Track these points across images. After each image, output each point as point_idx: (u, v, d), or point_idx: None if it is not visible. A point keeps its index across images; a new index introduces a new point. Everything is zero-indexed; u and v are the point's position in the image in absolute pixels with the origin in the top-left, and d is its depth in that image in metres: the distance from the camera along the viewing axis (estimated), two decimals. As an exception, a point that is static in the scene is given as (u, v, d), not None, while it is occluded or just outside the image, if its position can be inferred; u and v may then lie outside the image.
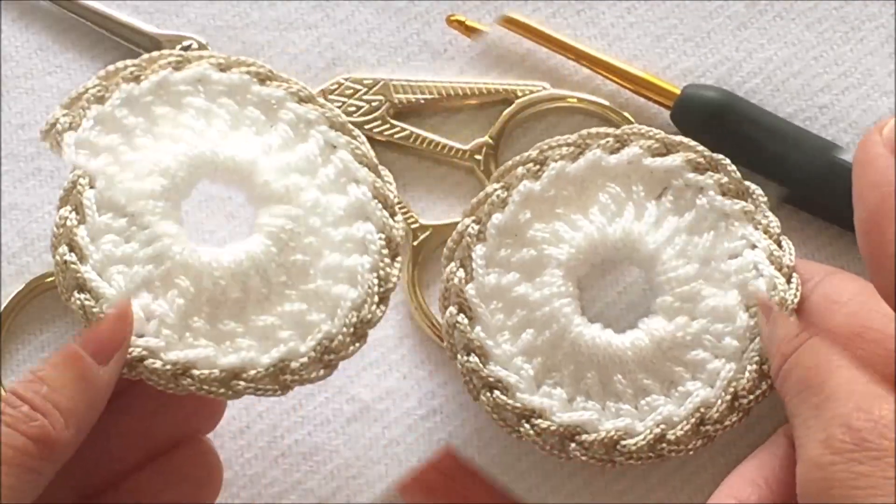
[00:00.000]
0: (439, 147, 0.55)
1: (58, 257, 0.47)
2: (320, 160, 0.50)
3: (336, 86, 0.55)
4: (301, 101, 0.50)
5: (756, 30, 0.56)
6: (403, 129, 0.55)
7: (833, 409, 0.42)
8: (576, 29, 0.56)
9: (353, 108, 0.55)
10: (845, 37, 0.56)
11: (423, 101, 0.55)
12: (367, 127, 0.54)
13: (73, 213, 0.47)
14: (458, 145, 0.55)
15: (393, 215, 0.49)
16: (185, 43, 0.55)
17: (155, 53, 0.50)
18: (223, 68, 0.50)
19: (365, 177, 0.49)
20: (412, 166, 0.55)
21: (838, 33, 0.56)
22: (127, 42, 0.55)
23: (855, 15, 0.56)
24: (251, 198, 0.49)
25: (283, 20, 0.56)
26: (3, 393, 0.50)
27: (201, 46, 0.55)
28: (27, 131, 0.55)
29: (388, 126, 0.55)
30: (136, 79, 0.49)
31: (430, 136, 0.55)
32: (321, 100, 0.50)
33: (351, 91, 0.55)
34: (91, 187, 0.48)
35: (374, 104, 0.55)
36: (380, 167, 0.50)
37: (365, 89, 0.55)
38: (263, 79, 0.50)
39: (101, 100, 0.49)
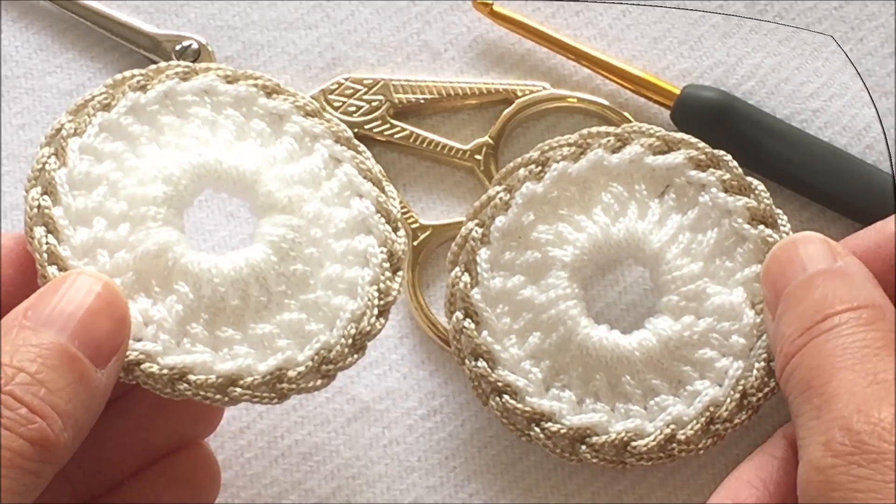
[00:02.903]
0: (439, 147, 0.55)
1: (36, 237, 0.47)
2: (324, 173, 0.49)
3: (336, 86, 0.55)
4: (307, 114, 0.50)
5: (755, 30, 0.56)
6: (403, 129, 0.55)
7: (834, 411, 0.42)
8: (576, 29, 0.56)
9: (353, 108, 0.54)
10: (845, 37, 0.56)
11: (423, 101, 0.55)
12: (367, 127, 0.54)
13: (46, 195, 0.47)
14: (458, 145, 0.55)
15: (395, 230, 0.49)
16: (185, 43, 0.55)
17: (163, 64, 0.50)
18: (230, 80, 0.50)
19: (369, 191, 0.49)
20: (412, 166, 0.55)
21: (838, 33, 0.56)
22: (127, 42, 0.55)
23: (855, 15, 0.56)
24: (254, 208, 0.49)
25: (283, 20, 0.56)
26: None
27: (201, 46, 0.55)
28: (27, 131, 0.55)
29: (388, 126, 0.55)
30: (143, 88, 0.49)
31: (430, 136, 0.55)
32: (327, 114, 0.50)
33: (351, 91, 0.55)
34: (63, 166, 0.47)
35: (374, 104, 0.55)
36: (384, 182, 0.50)
37: (365, 89, 0.55)
38: (270, 92, 0.50)
39: (107, 107, 0.49)
